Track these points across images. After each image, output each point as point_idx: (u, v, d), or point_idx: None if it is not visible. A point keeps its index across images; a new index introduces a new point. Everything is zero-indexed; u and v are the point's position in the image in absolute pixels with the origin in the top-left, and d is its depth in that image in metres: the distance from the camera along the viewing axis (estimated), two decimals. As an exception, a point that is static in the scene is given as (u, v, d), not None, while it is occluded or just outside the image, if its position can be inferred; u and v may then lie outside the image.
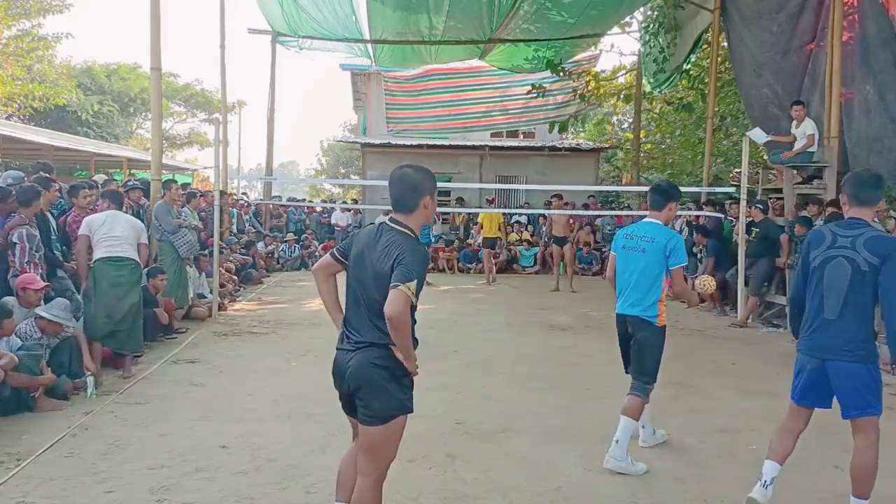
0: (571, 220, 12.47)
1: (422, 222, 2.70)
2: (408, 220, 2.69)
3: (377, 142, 18.50)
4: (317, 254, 15.37)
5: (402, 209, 2.70)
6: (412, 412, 2.68)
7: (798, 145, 9.02)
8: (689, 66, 14.98)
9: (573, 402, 5.25)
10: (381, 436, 2.62)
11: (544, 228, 13.62)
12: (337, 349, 2.74)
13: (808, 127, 8.98)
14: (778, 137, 9.38)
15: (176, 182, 8.81)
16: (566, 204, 13.02)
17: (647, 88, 16.34)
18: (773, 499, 3.48)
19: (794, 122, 9.12)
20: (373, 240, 2.68)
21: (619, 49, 43.94)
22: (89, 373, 5.17)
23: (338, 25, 14.14)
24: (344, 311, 2.78)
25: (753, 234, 8.77)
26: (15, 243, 5.55)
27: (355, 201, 20.86)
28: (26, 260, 5.56)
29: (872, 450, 3.16)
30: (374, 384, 2.60)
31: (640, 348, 3.97)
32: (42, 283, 5.41)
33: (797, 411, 3.40)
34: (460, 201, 17.23)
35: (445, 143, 18.83)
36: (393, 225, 2.69)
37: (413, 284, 2.50)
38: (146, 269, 7.52)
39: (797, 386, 3.36)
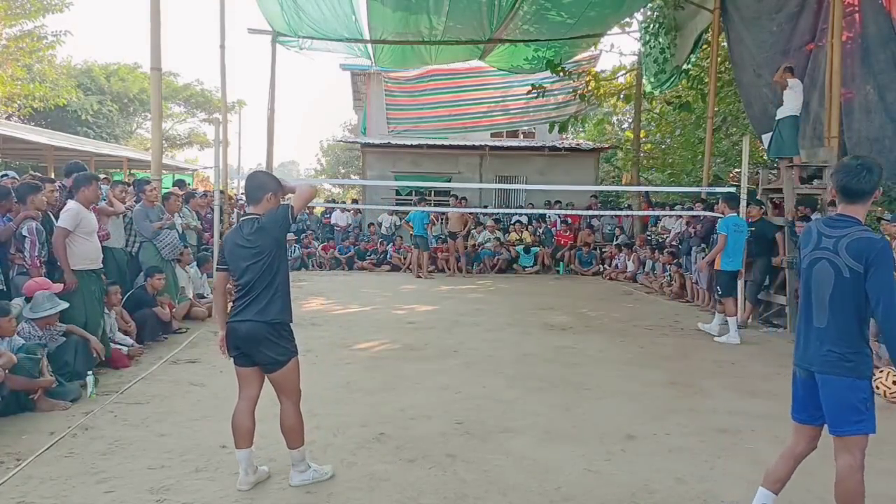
0: (466, 217, 14.60)
1: (268, 209, 3.49)
2: (257, 209, 3.52)
3: (377, 142, 18.49)
4: (316, 254, 15.38)
5: (252, 202, 3.55)
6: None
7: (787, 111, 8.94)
8: (689, 66, 14.97)
9: (573, 402, 5.25)
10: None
11: (438, 224, 16.22)
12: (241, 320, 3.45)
13: (795, 85, 8.82)
14: None
15: (151, 182, 8.05)
16: (463, 200, 15.72)
17: (648, 88, 16.32)
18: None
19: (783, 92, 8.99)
20: (242, 231, 3.47)
21: (619, 49, 44.17)
22: (91, 373, 5.16)
23: (338, 25, 14.11)
24: (240, 293, 3.48)
25: (748, 234, 8.76)
26: (25, 236, 5.50)
27: (355, 201, 20.85)
28: (36, 254, 5.52)
29: (856, 473, 2.82)
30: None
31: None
32: (57, 286, 5.35)
33: (794, 429, 3.10)
34: (464, 200, 17.19)
35: (445, 143, 18.81)
36: (253, 215, 3.50)
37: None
38: (144, 270, 7.52)
39: (793, 400, 3.07)
